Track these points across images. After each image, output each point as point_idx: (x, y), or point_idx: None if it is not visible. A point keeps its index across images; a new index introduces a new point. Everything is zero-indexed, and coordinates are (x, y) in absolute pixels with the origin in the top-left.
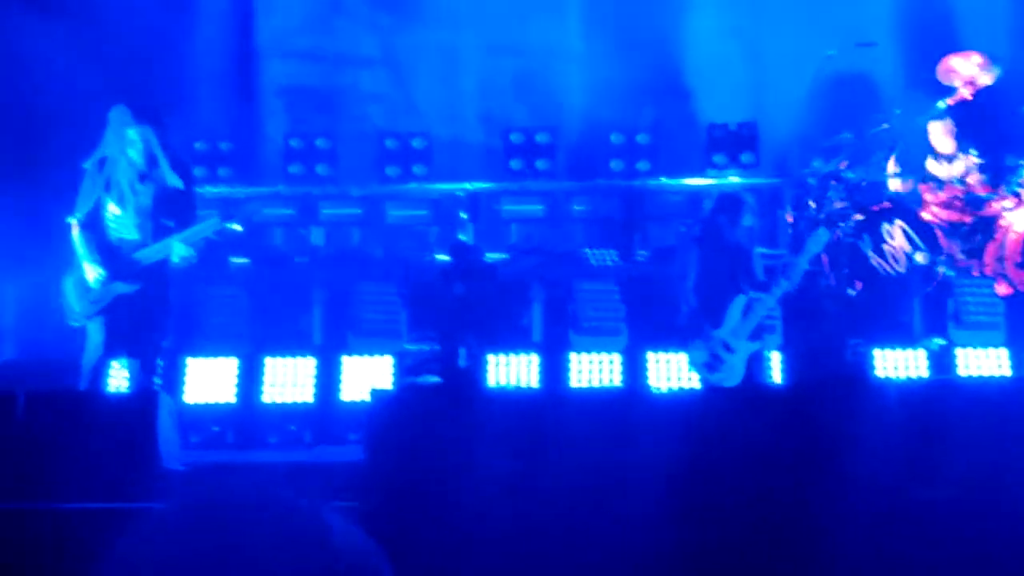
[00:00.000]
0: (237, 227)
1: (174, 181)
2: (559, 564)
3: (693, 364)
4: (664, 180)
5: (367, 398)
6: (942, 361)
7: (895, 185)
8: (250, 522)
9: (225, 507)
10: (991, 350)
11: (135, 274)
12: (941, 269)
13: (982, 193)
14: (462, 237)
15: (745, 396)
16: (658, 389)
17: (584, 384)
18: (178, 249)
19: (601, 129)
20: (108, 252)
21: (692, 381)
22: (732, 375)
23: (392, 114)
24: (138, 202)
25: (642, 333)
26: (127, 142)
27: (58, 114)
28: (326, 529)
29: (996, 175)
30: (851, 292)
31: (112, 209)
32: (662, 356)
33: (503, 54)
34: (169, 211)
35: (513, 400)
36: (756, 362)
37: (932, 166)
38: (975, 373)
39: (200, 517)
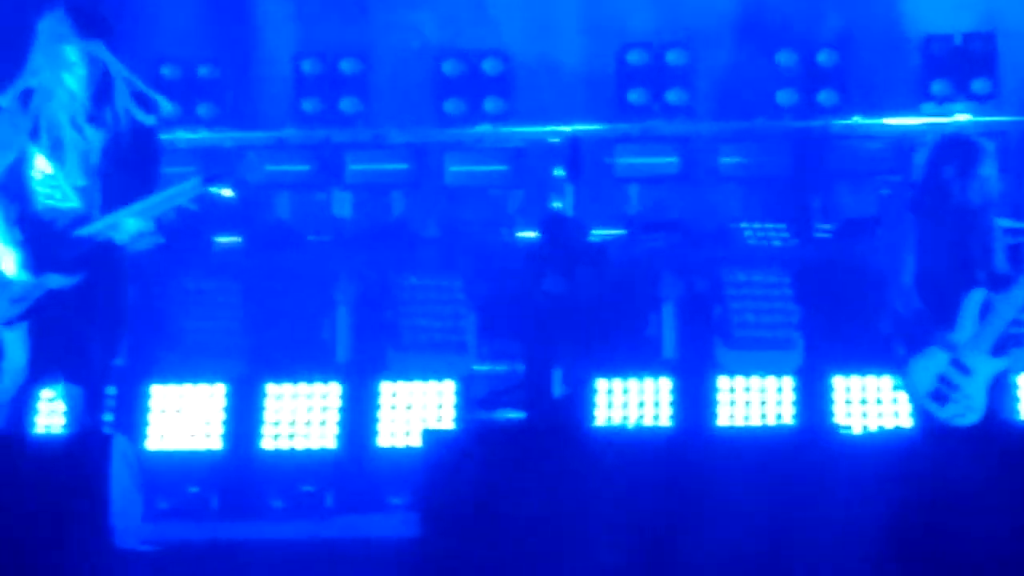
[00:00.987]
0: (226, 191)
1: (133, 122)
2: None
3: (912, 393)
4: (857, 119)
5: (417, 443)
6: None
7: None
8: None
9: None
10: None
11: (75, 260)
12: None
13: None
14: (557, 205)
15: (988, 440)
16: (849, 429)
17: (739, 421)
18: (131, 224)
19: (761, 44)
20: (35, 228)
21: (905, 416)
22: (970, 408)
23: (452, 23)
24: (81, 154)
25: (825, 346)
26: (64, 65)
27: None
28: None
29: None
30: None
31: (41, 165)
32: (855, 381)
33: None
34: (126, 168)
35: (633, 445)
36: (1000, 389)
37: None
38: None
39: None
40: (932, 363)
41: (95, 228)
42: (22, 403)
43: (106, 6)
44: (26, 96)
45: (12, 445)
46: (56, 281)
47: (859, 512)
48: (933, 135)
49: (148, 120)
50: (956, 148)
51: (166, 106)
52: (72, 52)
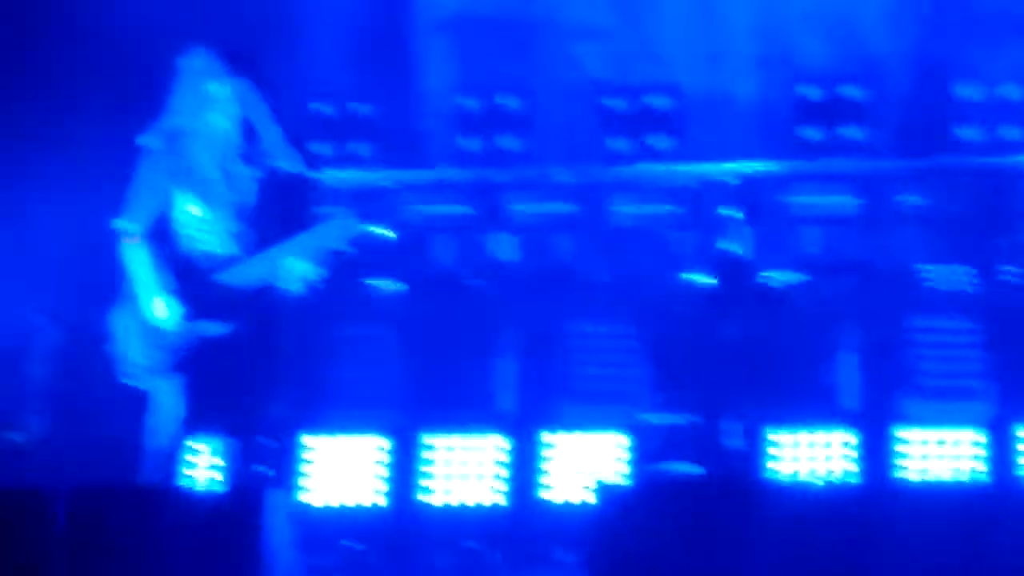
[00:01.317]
0: (384, 232)
1: (286, 163)
2: None
3: None
4: None
5: (589, 497)
6: None
7: None
8: None
9: None
10: None
11: (229, 307)
12: None
13: None
14: (731, 247)
15: None
16: None
17: (927, 476)
18: (295, 267)
19: (944, 77)
20: (186, 275)
21: None
22: None
23: (618, 58)
24: (233, 197)
25: (1017, 396)
26: (210, 104)
27: (100, 58)
28: None
29: None
30: None
31: (191, 209)
32: None
33: None
34: (279, 210)
35: (814, 500)
36: None
37: None
38: None
39: None
40: None
41: (249, 272)
42: (174, 455)
43: (258, 42)
44: (172, 137)
45: (165, 499)
46: (210, 329)
47: None
48: None
49: (291, 168)
50: None
51: (302, 159)
52: (218, 90)
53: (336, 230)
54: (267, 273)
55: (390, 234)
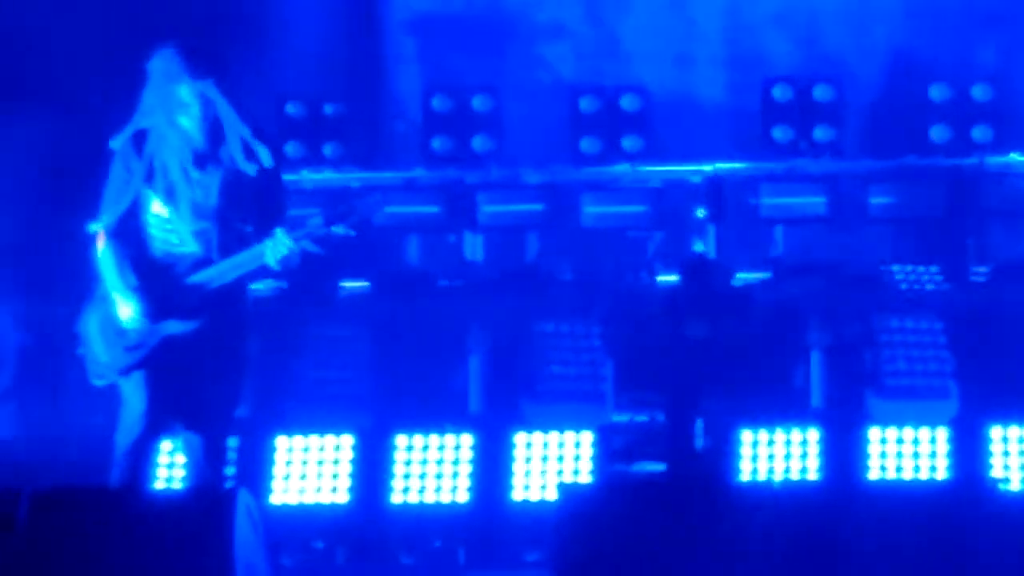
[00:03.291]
0: (350, 232)
1: (252, 163)
2: None
3: None
4: (1016, 156)
5: (553, 497)
6: None
7: None
8: None
9: None
10: None
11: (193, 306)
12: None
13: None
14: (699, 247)
15: None
16: (1007, 482)
17: (891, 474)
18: (273, 249)
19: (914, 78)
20: (151, 274)
21: None
22: None
23: (587, 58)
24: (197, 197)
25: (982, 395)
26: (178, 106)
27: (64, 60)
28: None
29: None
30: None
31: (157, 209)
32: (1014, 431)
33: None
34: (245, 210)
35: (780, 499)
36: None
37: None
38: None
39: None
40: None
41: (215, 272)
42: (140, 455)
43: (228, 44)
44: (139, 138)
45: (130, 500)
46: (174, 328)
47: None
48: None
49: (250, 170)
50: None
51: (266, 159)
52: (185, 92)
53: (305, 230)
54: (236, 271)
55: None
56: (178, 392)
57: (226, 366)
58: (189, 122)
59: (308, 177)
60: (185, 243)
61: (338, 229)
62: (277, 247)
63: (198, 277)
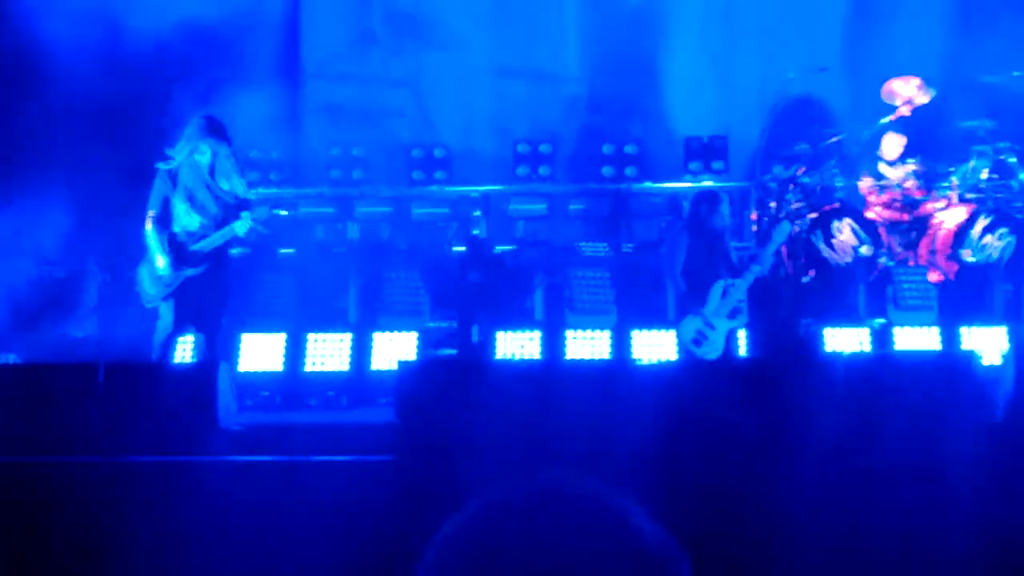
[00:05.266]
0: (283, 212)
1: (233, 185)
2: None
3: (682, 340)
4: (648, 184)
5: (395, 368)
6: (882, 338)
7: (863, 184)
8: (559, 515)
9: (535, 501)
10: (924, 329)
11: (200, 260)
12: (882, 260)
13: (918, 196)
14: (476, 232)
15: (717, 367)
16: (641, 361)
17: (579, 357)
18: (241, 227)
19: (595, 140)
20: (176, 243)
21: (671, 354)
22: (714, 349)
23: (416, 128)
24: (204, 202)
25: (628, 313)
26: (198, 152)
27: (132, 105)
28: (631, 524)
29: (929, 181)
30: (805, 279)
31: (180, 207)
32: (645, 333)
33: (511, 76)
34: (228, 209)
35: (518, 370)
36: (733, 338)
37: (883, 168)
38: (910, 348)
39: (510, 511)
40: (693, 323)
41: (209, 241)
42: (169, 345)
43: (225, 120)
44: (173, 165)
45: (163, 369)
46: (189, 272)
47: (647, 409)
48: (690, 194)
49: (233, 188)
50: (707, 194)
51: (240, 189)
52: (203, 145)
53: (260, 212)
54: (221, 239)
55: (286, 212)
56: (191, 309)
57: (217, 295)
58: (202, 160)
59: (262, 191)
60: (194, 227)
61: (278, 211)
62: (244, 226)
63: (200, 245)
